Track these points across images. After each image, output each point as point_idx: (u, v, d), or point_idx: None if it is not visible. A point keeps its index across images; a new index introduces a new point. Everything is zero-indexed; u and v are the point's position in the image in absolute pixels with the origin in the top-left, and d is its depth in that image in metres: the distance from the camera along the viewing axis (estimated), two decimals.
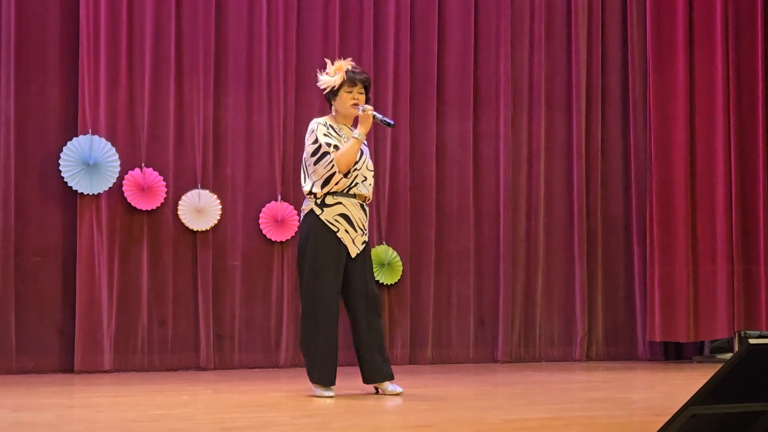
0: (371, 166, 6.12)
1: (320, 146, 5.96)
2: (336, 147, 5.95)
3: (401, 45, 8.68)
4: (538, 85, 9.10)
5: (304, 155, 6.06)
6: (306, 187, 6.05)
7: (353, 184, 6.00)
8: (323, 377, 5.94)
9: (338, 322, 5.99)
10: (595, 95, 9.26)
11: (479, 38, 8.96)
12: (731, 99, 8.90)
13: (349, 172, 5.96)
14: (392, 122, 6.10)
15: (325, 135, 5.99)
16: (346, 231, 5.98)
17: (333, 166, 5.92)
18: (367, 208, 6.10)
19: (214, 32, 8.13)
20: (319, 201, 5.98)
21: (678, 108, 8.94)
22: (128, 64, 7.89)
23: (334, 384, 5.97)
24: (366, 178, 6.06)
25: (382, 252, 8.42)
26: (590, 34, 9.28)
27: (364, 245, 6.05)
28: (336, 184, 5.95)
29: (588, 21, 9.27)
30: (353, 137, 5.95)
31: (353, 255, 6.01)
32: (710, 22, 8.96)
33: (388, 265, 8.42)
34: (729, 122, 8.89)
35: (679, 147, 8.92)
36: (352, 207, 6.00)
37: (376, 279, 7.88)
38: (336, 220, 5.97)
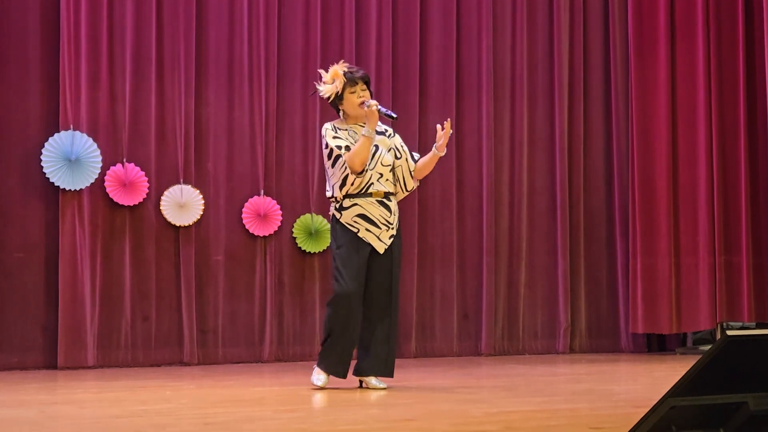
0: (387, 161, 6.09)
1: (332, 150, 6.00)
2: (347, 147, 5.98)
3: (383, 39, 8.68)
4: (520, 79, 9.12)
5: (324, 162, 6.12)
6: (327, 192, 6.14)
7: (369, 184, 6.03)
8: (322, 365, 6.04)
9: (358, 318, 6.04)
10: (577, 88, 9.28)
11: (461, 32, 8.97)
12: (713, 92, 8.93)
13: (363, 171, 5.98)
14: (395, 115, 6.09)
15: (334, 138, 6.02)
16: (368, 230, 6.02)
17: (346, 167, 5.94)
18: (391, 203, 6.10)
19: (194, 27, 8.12)
20: (338, 205, 6.06)
21: (660, 101, 8.97)
22: (109, 59, 7.88)
23: (335, 375, 6.03)
24: (382, 175, 6.07)
25: None
26: (572, 28, 9.30)
27: (392, 239, 6.08)
28: (352, 184, 5.98)
29: (570, 14, 9.29)
30: (362, 135, 5.96)
31: (381, 251, 6.05)
32: (692, 16, 8.98)
33: None
34: (710, 115, 8.91)
35: (661, 140, 8.95)
36: (369, 206, 6.03)
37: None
38: (355, 221, 6.02)
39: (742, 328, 8.97)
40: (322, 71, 6.18)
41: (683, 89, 8.99)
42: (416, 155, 6.33)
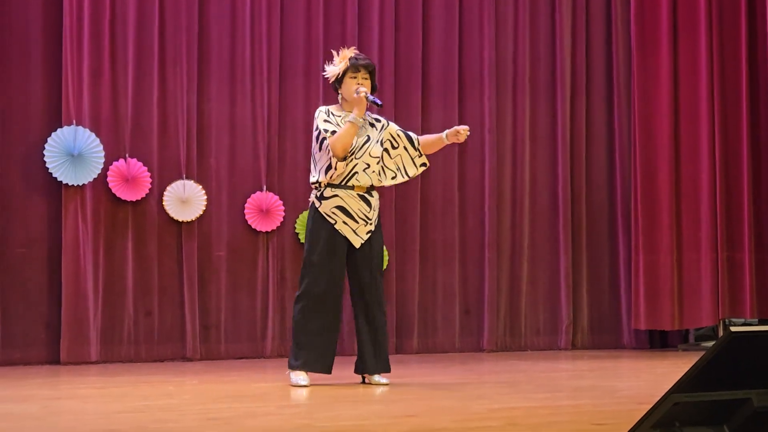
0: (376, 153, 6.07)
1: (320, 132, 5.98)
2: (333, 132, 5.95)
3: (385, 33, 8.67)
4: (522, 74, 9.12)
5: (312, 145, 6.09)
6: (311, 177, 6.09)
7: (352, 174, 5.99)
8: (296, 363, 5.98)
9: (335, 312, 6.01)
10: (579, 84, 9.28)
11: (463, 27, 8.97)
12: (715, 87, 8.92)
13: (347, 157, 5.95)
14: (380, 102, 6.08)
15: (324, 121, 6.00)
16: (345, 222, 5.99)
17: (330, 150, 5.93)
18: (372, 198, 6.07)
19: (197, 22, 8.12)
20: (319, 193, 6.02)
21: (662, 97, 8.96)
22: (111, 54, 7.87)
23: (321, 372, 5.99)
24: (369, 166, 6.03)
25: None
26: (575, 23, 9.30)
27: (369, 234, 6.05)
28: (335, 169, 5.94)
29: (572, 9, 9.28)
30: (348, 121, 5.94)
31: (357, 245, 6.02)
32: (694, 11, 8.97)
33: None
34: (713, 110, 8.91)
35: (663, 135, 8.94)
36: (349, 199, 5.99)
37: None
38: (333, 212, 5.98)
39: (744, 324, 8.97)
40: (334, 52, 6.18)
41: (686, 85, 8.98)
42: (413, 135, 6.27)
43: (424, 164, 6.28)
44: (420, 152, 6.23)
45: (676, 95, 9.00)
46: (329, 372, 6.02)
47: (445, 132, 6.17)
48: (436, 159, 8.77)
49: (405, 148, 6.21)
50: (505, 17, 9.09)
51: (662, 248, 8.89)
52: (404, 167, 6.21)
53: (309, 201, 6.13)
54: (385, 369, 6.11)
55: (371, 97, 6.00)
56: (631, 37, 9.11)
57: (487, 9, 8.98)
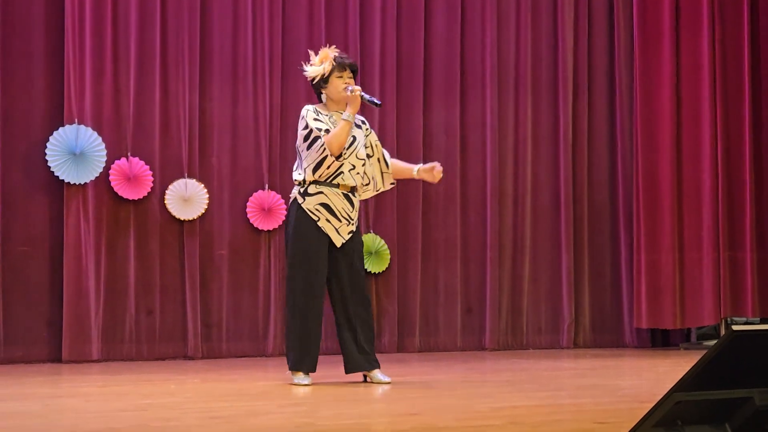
0: (361, 155, 6.06)
1: (311, 131, 5.94)
2: (327, 131, 5.93)
3: (387, 34, 8.67)
4: (524, 73, 9.11)
5: (297, 143, 6.05)
6: (296, 174, 6.05)
7: (338, 173, 5.98)
8: (296, 364, 5.95)
9: (322, 309, 5.99)
10: (581, 83, 9.28)
11: (465, 26, 8.97)
12: (717, 86, 8.92)
13: (341, 154, 5.94)
14: (379, 102, 6.06)
15: (315, 120, 5.97)
16: (328, 220, 5.96)
17: (325, 149, 5.90)
18: (354, 198, 6.05)
19: (198, 22, 8.11)
20: (302, 190, 5.98)
21: (664, 96, 8.96)
22: (114, 53, 7.87)
23: (311, 371, 5.96)
24: (354, 167, 6.02)
25: (369, 241, 8.42)
26: (577, 22, 9.29)
27: (350, 235, 6.03)
28: (328, 167, 5.92)
29: (574, 8, 9.28)
30: (343, 119, 5.92)
31: (338, 244, 6.00)
32: (696, 10, 8.97)
33: (376, 254, 8.43)
34: (715, 109, 8.90)
35: (665, 134, 8.94)
36: (333, 197, 5.97)
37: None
38: (317, 209, 5.95)
39: (746, 323, 8.97)
40: (311, 52, 6.14)
41: (688, 84, 8.98)
42: (386, 153, 6.27)
43: (392, 183, 6.29)
44: (389, 171, 6.23)
45: (678, 94, 8.99)
46: (314, 370, 5.98)
47: (418, 167, 6.18)
48: (438, 158, 8.76)
49: (378, 160, 6.19)
50: (507, 16, 9.09)
51: (664, 247, 8.89)
52: (375, 179, 6.20)
53: (290, 197, 6.08)
54: (373, 365, 6.07)
55: (367, 96, 5.98)
56: (634, 36, 9.11)
57: (489, 8, 8.98)
